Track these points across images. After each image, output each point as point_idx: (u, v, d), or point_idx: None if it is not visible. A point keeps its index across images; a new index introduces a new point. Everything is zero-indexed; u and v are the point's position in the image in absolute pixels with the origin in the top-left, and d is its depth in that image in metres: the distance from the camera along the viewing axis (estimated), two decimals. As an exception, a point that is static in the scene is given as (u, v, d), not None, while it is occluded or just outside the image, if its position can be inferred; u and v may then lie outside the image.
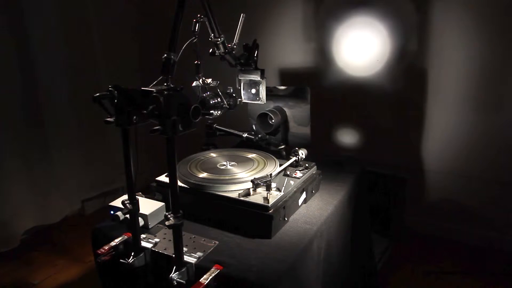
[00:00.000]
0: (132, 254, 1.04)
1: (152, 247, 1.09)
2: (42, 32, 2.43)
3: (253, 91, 1.46)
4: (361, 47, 2.45)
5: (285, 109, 1.62)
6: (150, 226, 1.21)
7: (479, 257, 2.29)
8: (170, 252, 1.05)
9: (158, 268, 1.08)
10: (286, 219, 1.22)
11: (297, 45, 2.66)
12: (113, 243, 1.09)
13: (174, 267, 0.95)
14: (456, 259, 2.28)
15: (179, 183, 1.19)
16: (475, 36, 2.15)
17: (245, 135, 1.56)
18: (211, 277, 0.96)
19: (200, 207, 1.25)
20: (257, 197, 1.18)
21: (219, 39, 1.26)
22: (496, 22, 2.10)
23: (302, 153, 1.43)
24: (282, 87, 1.61)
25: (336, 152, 2.65)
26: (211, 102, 1.20)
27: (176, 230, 0.93)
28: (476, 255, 2.30)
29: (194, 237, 1.15)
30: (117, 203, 1.19)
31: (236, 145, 1.71)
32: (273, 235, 1.16)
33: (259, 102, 1.46)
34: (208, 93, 1.24)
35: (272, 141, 1.60)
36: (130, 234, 1.10)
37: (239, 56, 1.38)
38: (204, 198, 1.24)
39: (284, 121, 1.62)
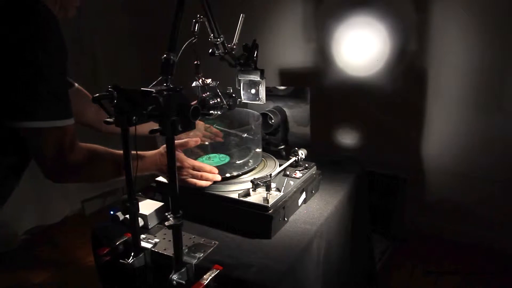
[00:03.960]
0: (132, 254, 1.04)
1: (152, 247, 1.09)
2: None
3: (253, 91, 1.46)
4: (361, 47, 2.45)
5: (285, 109, 1.62)
6: (150, 226, 1.21)
7: (479, 257, 2.29)
8: (170, 252, 1.05)
9: (158, 268, 1.07)
10: (286, 219, 1.22)
11: (297, 45, 2.66)
12: (113, 244, 1.09)
13: (174, 268, 0.95)
14: (456, 259, 2.28)
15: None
16: (475, 36, 2.15)
17: (245, 135, 1.56)
18: (211, 277, 0.96)
19: (200, 207, 1.25)
20: (257, 197, 1.18)
21: (218, 39, 1.25)
22: (496, 22, 2.10)
23: (302, 153, 1.43)
24: (282, 87, 1.61)
25: (336, 152, 2.65)
26: (211, 102, 1.20)
27: (176, 231, 0.92)
28: (475, 255, 2.30)
29: (194, 237, 1.15)
30: (117, 203, 1.18)
31: (236, 145, 1.71)
32: (273, 235, 1.15)
33: (258, 102, 1.46)
34: (208, 93, 1.24)
35: (272, 141, 1.60)
36: (130, 235, 1.10)
37: (238, 56, 1.38)
38: (204, 198, 1.24)
39: (284, 121, 1.62)
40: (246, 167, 1.35)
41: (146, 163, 1.13)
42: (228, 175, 1.30)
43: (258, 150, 1.42)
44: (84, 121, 1.31)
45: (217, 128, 1.48)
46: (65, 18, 1.07)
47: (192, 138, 1.25)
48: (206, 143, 1.41)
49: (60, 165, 0.96)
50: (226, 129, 1.53)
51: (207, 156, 1.40)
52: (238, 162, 1.35)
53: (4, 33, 0.85)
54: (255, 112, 1.48)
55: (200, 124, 1.46)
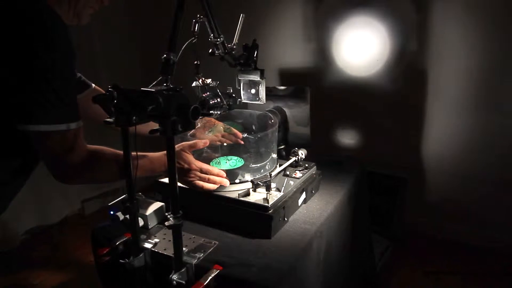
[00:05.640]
0: (132, 254, 1.04)
1: (152, 247, 1.09)
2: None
3: (253, 91, 1.46)
4: (361, 47, 2.45)
5: (285, 109, 1.62)
6: (149, 226, 1.21)
7: (479, 257, 2.29)
8: (169, 252, 1.05)
9: (157, 268, 1.08)
10: (286, 219, 1.22)
11: (297, 45, 2.66)
12: (113, 244, 1.09)
13: (174, 268, 0.95)
14: (456, 259, 2.28)
15: (179, 183, 1.19)
16: (475, 36, 2.15)
17: (244, 135, 1.56)
18: (211, 277, 0.96)
19: (200, 207, 1.25)
20: (257, 197, 1.18)
21: (218, 39, 1.25)
22: (496, 22, 2.10)
23: (302, 153, 1.43)
24: (282, 87, 1.61)
25: (336, 152, 2.65)
26: (211, 102, 1.20)
27: (176, 231, 0.92)
28: (476, 255, 2.30)
29: (194, 237, 1.15)
30: (117, 203, 1.19)
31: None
32: (273, 235, 1.15)
33: (259, 102, 1.46)
34: (208, 93, 1.24)
35: (272, 141, 1.59)
36: (130, 235, 1.10)
37: (238, 56, 1.38)
38: (204, 198, 1.24)
39: (284, 121, 1.62)
40: (261, 172, 1.34)
41: (155, 164, 1.13)
42: (237, 181, 1.27)
43: (273, 155, 1.40)
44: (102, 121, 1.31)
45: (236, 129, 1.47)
46: (79, 25, 1.07)
47: (201, 140, 1.25)
48: (225, 144, 1.39)
49: (66, 167, 0.97)
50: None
51: (216, 160, 1.39)
52: (253, 166, 1.34)
53: (13, 39, 0.86)
54: (273, 115, 1.48)
55: (219, 124, 1.45)
